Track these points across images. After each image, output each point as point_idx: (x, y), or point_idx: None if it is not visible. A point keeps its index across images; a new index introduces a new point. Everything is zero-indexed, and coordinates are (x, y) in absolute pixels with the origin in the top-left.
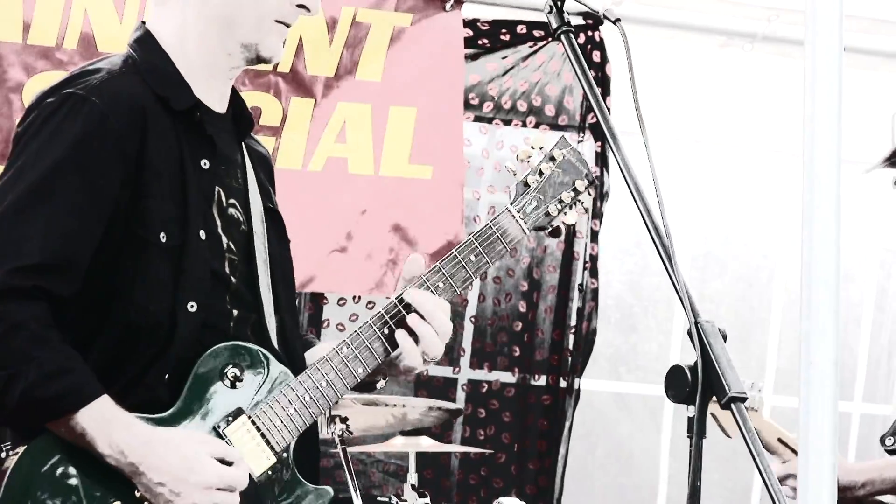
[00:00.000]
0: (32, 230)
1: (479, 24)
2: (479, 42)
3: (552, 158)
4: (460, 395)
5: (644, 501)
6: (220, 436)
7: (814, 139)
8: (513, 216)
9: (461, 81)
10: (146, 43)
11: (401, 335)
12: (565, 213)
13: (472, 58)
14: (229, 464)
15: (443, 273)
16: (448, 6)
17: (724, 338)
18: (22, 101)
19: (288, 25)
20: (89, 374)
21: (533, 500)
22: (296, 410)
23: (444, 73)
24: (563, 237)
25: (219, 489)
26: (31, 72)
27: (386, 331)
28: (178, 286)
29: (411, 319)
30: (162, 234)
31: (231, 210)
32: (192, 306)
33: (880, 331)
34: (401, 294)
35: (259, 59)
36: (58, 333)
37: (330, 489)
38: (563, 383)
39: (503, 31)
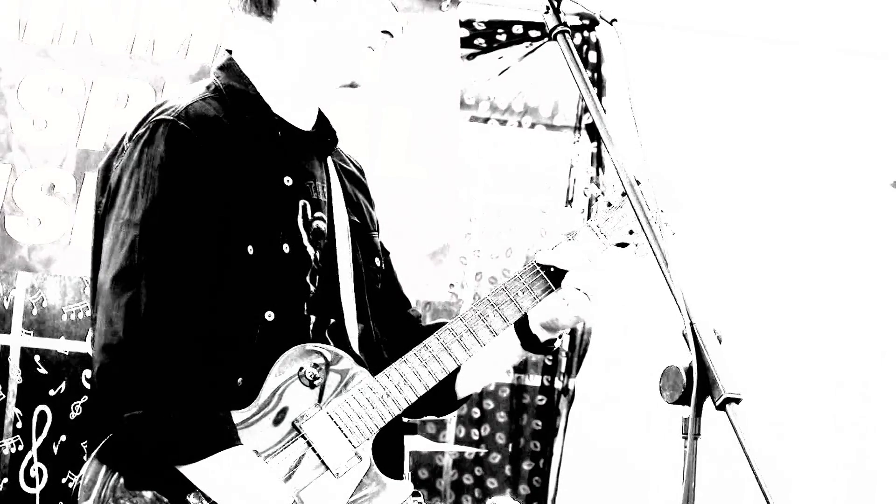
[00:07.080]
0: (163, 261)
1: (475, 24)
2: (476, 42)
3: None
4: None
5: (637, 501)
6: (297, 430)
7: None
8: (591, 230)
9: (457, 82)
10: (229, 69)
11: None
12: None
13: (468, 58)
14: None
15: (507, 292)
16: (444, 6)
17: (720, 340)
18: (18, 99)
19: (374, 50)
20: (226, 424)
21: (528, 500)
22: (373, 407)
23: (440, 73)
24: None
25: None
26: (27, 69)
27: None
28: (258, 296)
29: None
30: (249, 248)
31: (317, 223)
32: (269, 315)
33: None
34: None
35: (349, 85)
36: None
37: (409, 484)
38: (557, 384)
39: (499, 31)
